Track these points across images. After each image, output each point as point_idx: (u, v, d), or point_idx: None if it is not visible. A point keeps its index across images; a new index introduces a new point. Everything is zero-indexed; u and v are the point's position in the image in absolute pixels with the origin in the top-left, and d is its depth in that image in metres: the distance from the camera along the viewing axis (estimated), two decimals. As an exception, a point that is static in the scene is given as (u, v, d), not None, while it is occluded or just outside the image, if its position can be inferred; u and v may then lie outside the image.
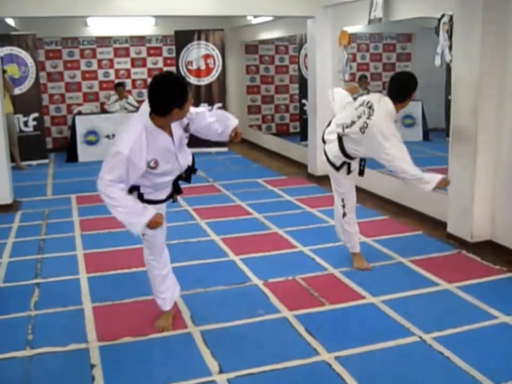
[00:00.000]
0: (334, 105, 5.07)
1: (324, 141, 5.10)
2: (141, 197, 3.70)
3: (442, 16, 5.74)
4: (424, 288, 4.62)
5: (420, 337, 3.80)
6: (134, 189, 3.67)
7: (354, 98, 4.88)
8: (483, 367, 3.39)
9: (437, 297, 4.47)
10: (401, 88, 4.60)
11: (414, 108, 11.38)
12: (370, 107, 4.51)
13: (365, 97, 4.67)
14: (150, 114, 3.49)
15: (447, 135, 6.19)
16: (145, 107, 3.51)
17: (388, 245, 5.64)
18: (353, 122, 4.58)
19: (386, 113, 4.47)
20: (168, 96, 3.40)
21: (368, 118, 4.48)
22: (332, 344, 3.73)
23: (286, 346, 3.75)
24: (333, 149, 4.90)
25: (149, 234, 3.81)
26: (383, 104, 4.51)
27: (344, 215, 5.07)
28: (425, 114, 11.35)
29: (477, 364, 3.42)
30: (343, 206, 5.07)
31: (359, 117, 4.54)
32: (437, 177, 4.43)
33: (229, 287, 4.74)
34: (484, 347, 3.69)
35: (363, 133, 4.51)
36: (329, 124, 5.05)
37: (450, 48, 5.69)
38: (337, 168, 4.97)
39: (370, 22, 7.21)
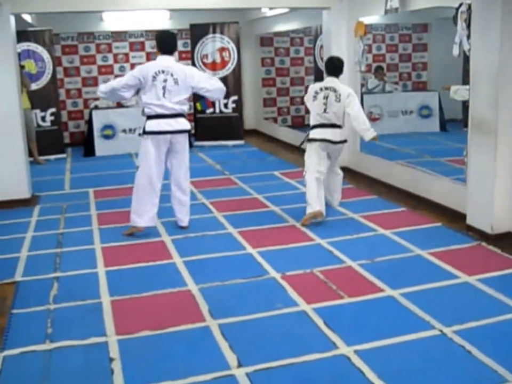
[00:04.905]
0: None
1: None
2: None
3: (460, 5, 5.67)
4: (444, 281, 4.58)
5: (441, 330, 3.76)
6: None
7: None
8: (505, 361, 3.34)
9: (456, 290, 4.43)
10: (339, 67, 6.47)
11: (431, 98, 11.32)
12: (332, 89, 6.26)
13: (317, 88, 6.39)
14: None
15: (465, 125, 6.15)
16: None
17: (406, 237, 5.60)
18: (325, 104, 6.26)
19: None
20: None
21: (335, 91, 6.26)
22: (351, 337, 3.70)
23: (304, 340, 3.73)
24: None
25: None
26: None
27: None
28: (442, 105, 11.24)
29: (499, 358, 3.38)
30: None
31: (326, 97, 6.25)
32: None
33: (247, 280, 4.73)
34: (506, 340, 3.64)
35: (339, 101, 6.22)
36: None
37: (468, 37, 5.62)
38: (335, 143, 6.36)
39: (386, 12, 7.15)
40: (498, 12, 5.14)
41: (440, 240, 5.52)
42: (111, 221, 6.37)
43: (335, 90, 6.24)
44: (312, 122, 6.41)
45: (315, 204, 6.13)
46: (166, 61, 5.73)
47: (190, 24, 11.36)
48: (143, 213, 5.84)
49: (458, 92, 6.45)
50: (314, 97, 6.32)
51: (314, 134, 6.36)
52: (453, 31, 5.84)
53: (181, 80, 5.68)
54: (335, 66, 6.42)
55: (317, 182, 6.24)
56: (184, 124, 5.81)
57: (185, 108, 5.88)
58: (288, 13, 10.45)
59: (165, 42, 5.83)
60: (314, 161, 6.33)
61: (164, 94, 5.64)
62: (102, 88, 5.86)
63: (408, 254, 5.22)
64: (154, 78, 5.60)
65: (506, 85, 5.25)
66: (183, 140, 5.86)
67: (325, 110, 6.26)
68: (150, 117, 5.71)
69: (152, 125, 5.70)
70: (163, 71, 5.63)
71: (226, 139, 11.46)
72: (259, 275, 4.83)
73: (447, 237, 5.63)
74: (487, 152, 5.46)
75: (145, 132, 5.72)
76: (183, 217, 6.09)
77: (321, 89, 6.31)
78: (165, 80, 5.62)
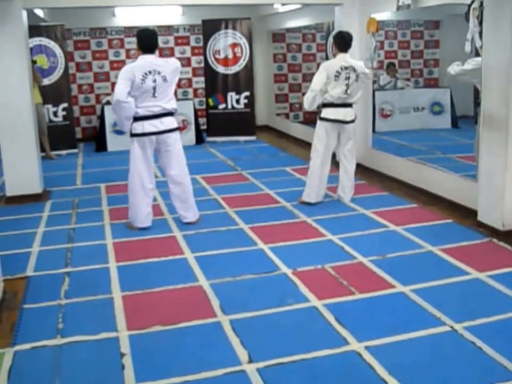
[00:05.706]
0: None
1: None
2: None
3: (472, 1, 5.65)
4: (455, 277, 4.57)
5: (451, 326, 3.76)
6: None
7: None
8: (516, 358, 3.34)
9: (467, 286, 4.43)
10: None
11: (442, 95, 11.26)
12: (351, 68, 6.32)
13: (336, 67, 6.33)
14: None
15: (476, 122, 6.11)
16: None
17: (417, 234, 5.59)
18: (347, 85, 6.33)
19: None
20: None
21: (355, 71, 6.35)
22: (362, 333, 3.70)
23: (315, 336, 3.73)
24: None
25: None
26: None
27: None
28: (454, 101, 11.20)
29: (510, 354, 3.37)
30: None
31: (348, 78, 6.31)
32: None
33: (258, 276, 4.74)
34: (517, 337, 3.64)
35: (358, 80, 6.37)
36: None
37: (480, 34, 5.60)
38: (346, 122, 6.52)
39: (398, 8, 7.14)
40: (510, 8, 5.11)
41: (451, 236, 5.51)
42: (122, 216, 6.38)
43: (354, 70, 6.32)
44: (325, 100, 6.45)
45: (312, 195, 6.61)
46: (150, 60, 5.65)
47: (202, 20, 11.34)
48: (138, 213, 5.96)
49: (452, 66, 6.29)
50: (336, 77, 6.29)
51: (327, 113, 6.49)
52: (464, 27, 5.82)
53: (169, 75, 5.68)
54: (345, 42, 6.43)
55: (321, 167, 6.56)
56: (169, 123, 5.81)
57: (175, 105, 5.88)
58: (301, 9, 10.43)
59: (147, 40, 5.74)
60: (323, 142, 6.55)
61: (154, 94, 5.64)
62: (123, 122, 5.77)
63: (419, 250, 5.21)
64: (143, 80, 5.55)
65: (518, 80, 5.23)
66: (171, 139, 5.85)
67: (346, 91, 6.35)
68: (135, 119, 5.73)
69: (138, 128, 5.73)
70: (150, 72, 5.58)
71: (238, 135, 11.46)
72: (270, 271, 4.83)
73: (458, 233, 5.61)
74: (498, 147, 5.44)
75: (131, 135, 5.80)
76: (185, 213, 6.10)
77: (341, 68, 6.30)
78: (154, 80, 5.60)
